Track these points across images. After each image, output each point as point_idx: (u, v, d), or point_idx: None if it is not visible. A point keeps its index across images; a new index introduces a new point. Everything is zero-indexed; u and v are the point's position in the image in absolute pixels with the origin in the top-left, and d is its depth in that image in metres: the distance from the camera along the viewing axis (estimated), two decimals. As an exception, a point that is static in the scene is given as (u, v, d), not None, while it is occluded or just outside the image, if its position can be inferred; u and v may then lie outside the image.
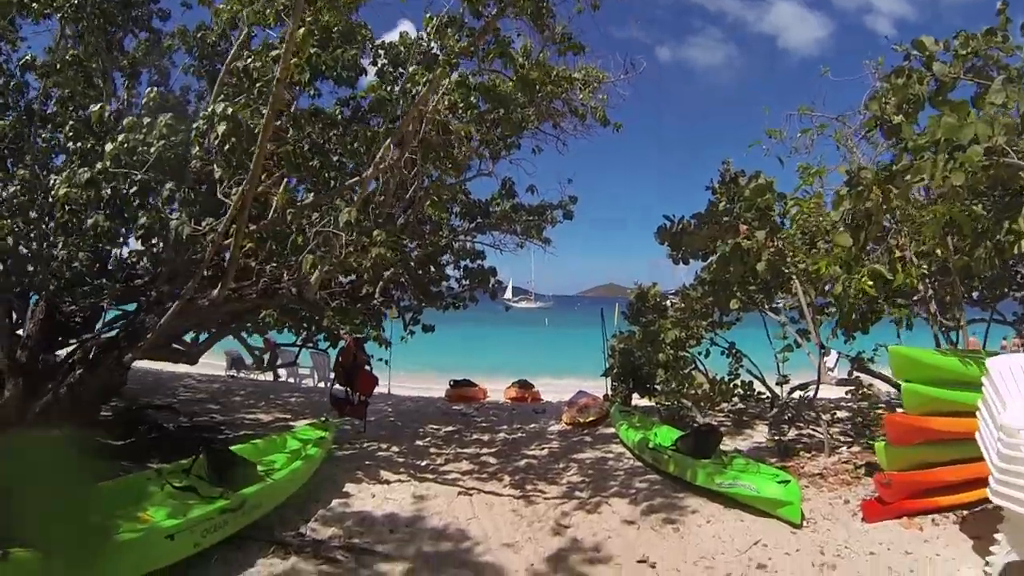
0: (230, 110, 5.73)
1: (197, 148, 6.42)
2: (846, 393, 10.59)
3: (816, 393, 8.17)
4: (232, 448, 7.10)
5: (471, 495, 6.98)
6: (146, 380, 14.62)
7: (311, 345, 13.45)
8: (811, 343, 8.18)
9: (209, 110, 5.99)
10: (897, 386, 8.30)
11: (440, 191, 6.58)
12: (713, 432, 7.48)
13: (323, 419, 8.78)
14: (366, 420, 9.87)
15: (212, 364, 17.35)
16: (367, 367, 9.81)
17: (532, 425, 11.29)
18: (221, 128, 5.68)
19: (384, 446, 9.30)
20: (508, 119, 7.45)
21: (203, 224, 6.45)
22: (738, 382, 10.95)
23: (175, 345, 9.63)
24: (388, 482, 7.51)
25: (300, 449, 7.58)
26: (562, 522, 6.14)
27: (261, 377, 17.22)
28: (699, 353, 10.82)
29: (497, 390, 17.12)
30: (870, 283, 6.67)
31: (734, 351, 10.86)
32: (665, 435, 8.62)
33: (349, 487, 7.27)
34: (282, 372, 17.20)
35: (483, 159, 8.88)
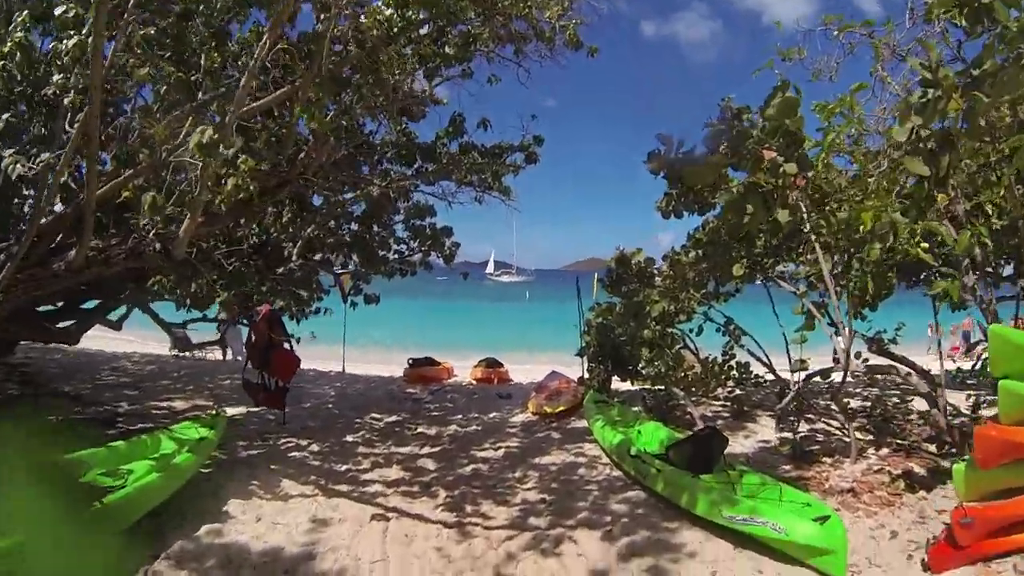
0: None
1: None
2: (854, 377, 8.84)
3: (844, 382, 6.40)
4: (78, 455, 5.25)
5: (388, 520, 5.14)
6: (78, 361, 12.74)
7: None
8: (838, 319, 6.37)
9: None
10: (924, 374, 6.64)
11: (321, 90, 4.66)
12: (716, 438, 5.64)
13: (214, 412, 6.90)
14: (285, 410, 7.99)
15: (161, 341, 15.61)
16: (286, 346, 7.92)
17: (492, 415, 9.48)
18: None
19: (304, 443, 7.45)
20: (441, 9, 5.51)
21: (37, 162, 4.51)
22: (733, 363, 9.23)
23: (47, 324, 7.68)
24: (287, 497, 5.67)
25: (172, 454, 5.73)
26: (504, 571, 4.32)
27: (211, 356, 15.25)
28: (690, 330, 9.04)
29: (465, 368, 15.33)
30: (924, 245, 4.89)
31: (732, 328, 9.09)
32: (651, 434, 6.84)
33: (233, 505, 5.43)
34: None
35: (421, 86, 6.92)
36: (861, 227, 4.70)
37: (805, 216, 5.32)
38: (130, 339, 15.54)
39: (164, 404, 9.16)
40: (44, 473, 4.14)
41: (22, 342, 10.12)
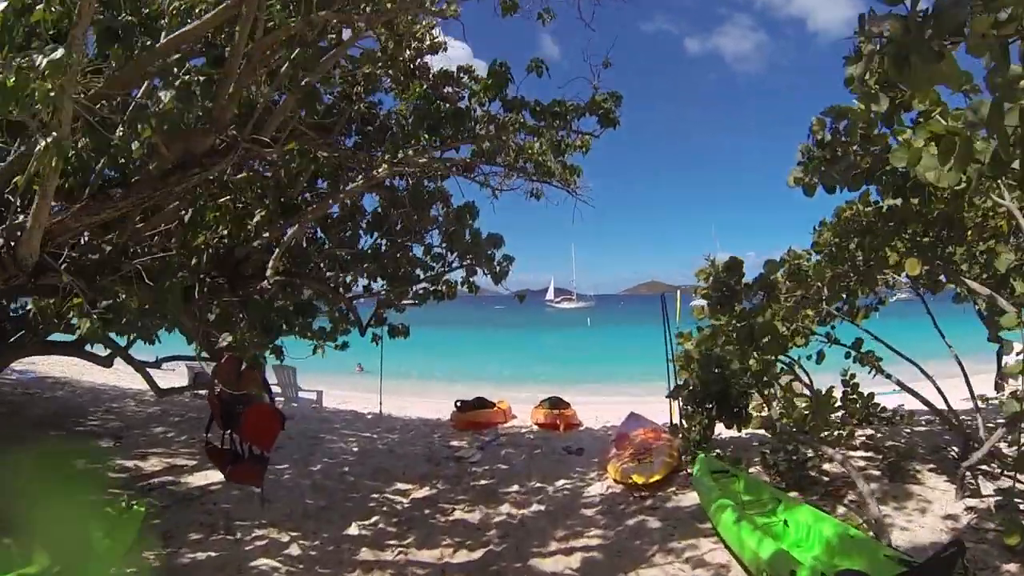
0: None
1: None
2: None
3: None
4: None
5: None
6: (78, 400, 10.91)
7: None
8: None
9: None
10: None
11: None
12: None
13: (125, 502, 4.55)
14: (262, 488, 5.58)
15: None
16: (265, 397, 5.57)
17: (560, 484, 6.83)
18: None
19: (285, 539, 5.06)
20: None
21: None
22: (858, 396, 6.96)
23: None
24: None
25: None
26: None
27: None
28: (808, 357, 6.91)
29: (525, 406, 12.78)
30: None
31: (866, 353, 6.73)
32: (807, 529, 4.25)
33: None
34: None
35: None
36: None
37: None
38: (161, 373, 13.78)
39: (130, 464, 6.97)
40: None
41: None
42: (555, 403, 11.44)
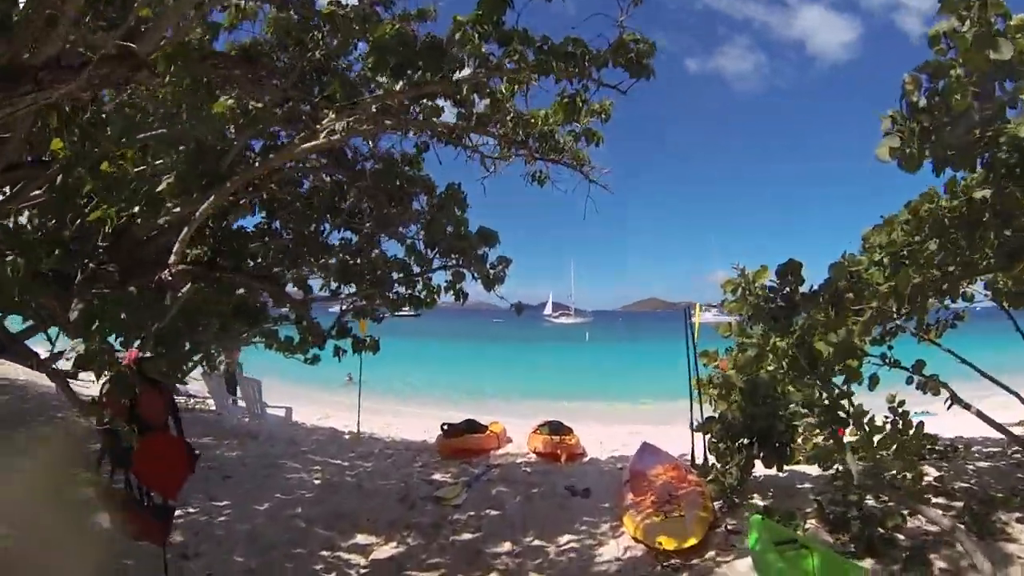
0: None
1: None
2: None
3: None
4: None
5: None
6: (29, 404, 9.45)
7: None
8: None
9: None
10: None
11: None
12: None
13: None
14: (165, 547, 4.10)
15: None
16: (169, 428, 4.11)
17: (564, 540, 5.33)
18: None
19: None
20: None
21: None
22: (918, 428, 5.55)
23: None
24: None
25: None
26: None
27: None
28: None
29: (522, 429, 11.33)
30: None
31: (932, 381, 5.79)
32: None
33: None
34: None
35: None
36: None
37: None
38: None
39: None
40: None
41: None
42: (555, 428, 9.96)
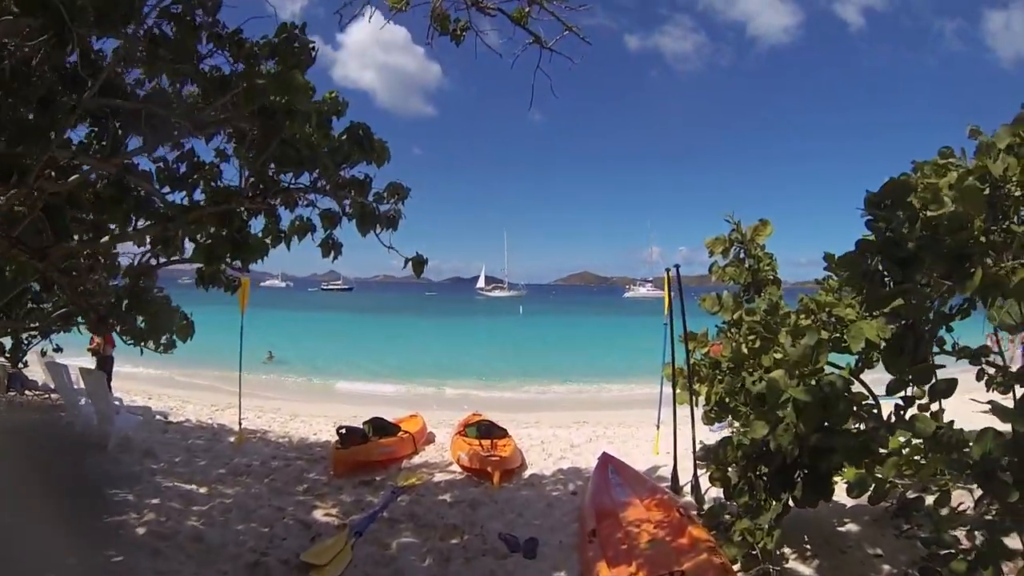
0: None
1: None
2: None
3: None
4: None
5: None
6: None
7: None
8: None
9: None
10: None
11: None
12: None
13: None
14: None
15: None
16: None
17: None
18: None
19: None
20: None
21: None
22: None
23: None
24: None
25: None
26: None
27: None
28: None
29: (446, 425, 9.05)
30: None
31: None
32: None
33: None
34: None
35: None
36: None
37: None
38: None
39: None
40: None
41: None
42: (486, 431, 7.66)
